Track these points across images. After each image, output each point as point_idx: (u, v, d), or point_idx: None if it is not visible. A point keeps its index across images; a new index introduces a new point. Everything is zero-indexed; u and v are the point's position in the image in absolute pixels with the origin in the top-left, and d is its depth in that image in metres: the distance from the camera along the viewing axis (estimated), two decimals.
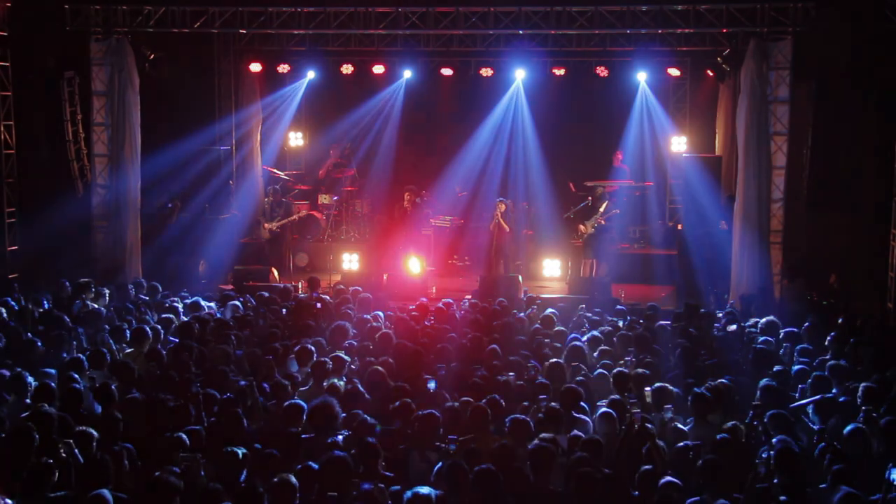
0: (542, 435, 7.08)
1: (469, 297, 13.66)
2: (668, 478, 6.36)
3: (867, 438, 7.21)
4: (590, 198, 17.10)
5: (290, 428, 7.32)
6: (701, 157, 17.67)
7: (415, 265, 15.88)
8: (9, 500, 5.89)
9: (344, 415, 7.60)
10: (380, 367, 8.78)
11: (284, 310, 12.29)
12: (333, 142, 19.57)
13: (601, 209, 16.52)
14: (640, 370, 9.03)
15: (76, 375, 8.60)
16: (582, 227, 16.67)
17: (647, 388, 8.48)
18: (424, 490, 5.88)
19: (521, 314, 12.28)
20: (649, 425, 7.33)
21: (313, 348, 9.59)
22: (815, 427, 7.67)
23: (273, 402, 8.25)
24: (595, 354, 9.91)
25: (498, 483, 6.10)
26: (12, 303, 11.82)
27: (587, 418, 7.90)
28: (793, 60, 14.10)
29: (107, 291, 12.79)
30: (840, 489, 6.12)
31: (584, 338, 10.46)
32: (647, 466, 6.54)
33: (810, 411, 7.99)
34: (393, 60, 18.82)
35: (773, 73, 14.16)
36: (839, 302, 13.45)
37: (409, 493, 5.84)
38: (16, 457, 6.59)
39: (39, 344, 9.85)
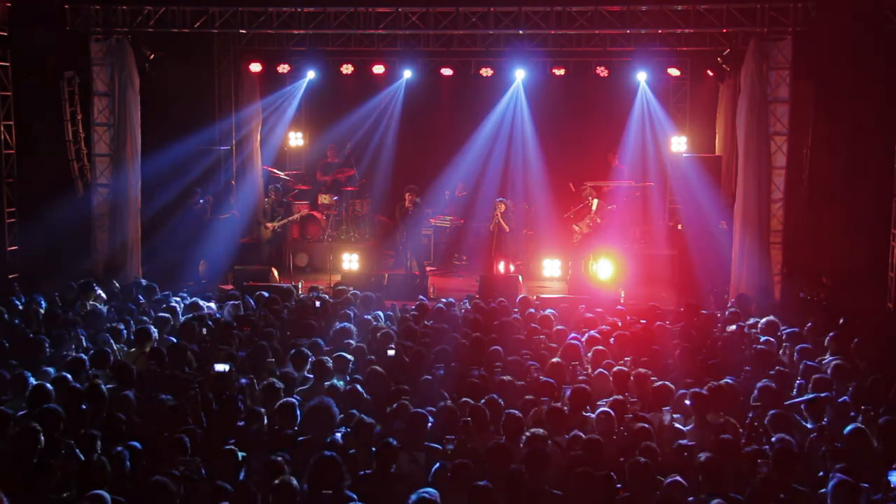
0: (533, 430, 7.08)
1: (469, 297, 13.68)
2: (674, 477, 6.34)
3: (867, 438, 7.21)
4: (589, 198, 17.12)
5: (286, 429, 7.31)
6: (701, 157, 17.65)
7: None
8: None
9: (342, 415, 7.60)
10: (378, 368, 8.78)
11: (285, 310, 12.29)
12: (333, 142, 19.56)
13: (593, 207, 16.50)
14: (640, 370, 9.03)
15: (76, 376, 8.59)
16: (575, 227, 16.66)
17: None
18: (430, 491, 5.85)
19: (521, 314, 12.26)
20: (647, 425, 7.34)
21: (308, 352, 9.51)
22: (808, 425, 7.68)
23: (272, 402, 8.23)
24: (590, 354, 9.90)
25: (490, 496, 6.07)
26: (16, 302, 11.83)
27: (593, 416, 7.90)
28: (793, 60, 14.11)
29: (103, 292, 12.77)
30: (835, 476, 6.11)
31: (584, 338, 10.45)
32: (639, 458, 6.50)
33: (803, 409, 8.00)
34: (393, 60, 18.79)
35: (773, 73, 14.17)
36: (830, 299, 13.47)
37: (413, 497, 5.79)
38: (18, 457, 6.59)
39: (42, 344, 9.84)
